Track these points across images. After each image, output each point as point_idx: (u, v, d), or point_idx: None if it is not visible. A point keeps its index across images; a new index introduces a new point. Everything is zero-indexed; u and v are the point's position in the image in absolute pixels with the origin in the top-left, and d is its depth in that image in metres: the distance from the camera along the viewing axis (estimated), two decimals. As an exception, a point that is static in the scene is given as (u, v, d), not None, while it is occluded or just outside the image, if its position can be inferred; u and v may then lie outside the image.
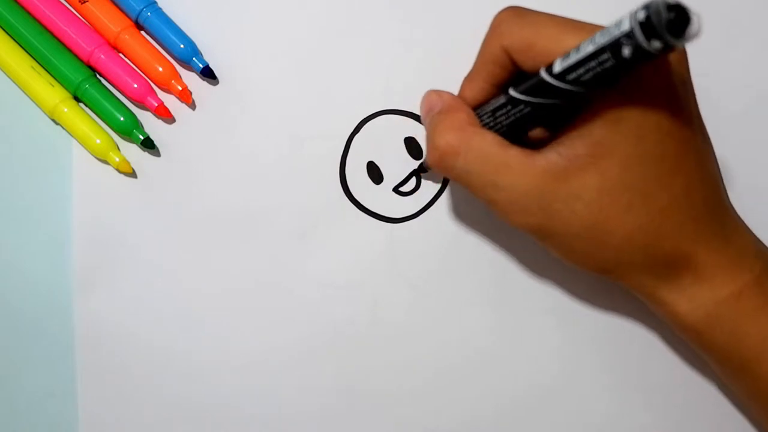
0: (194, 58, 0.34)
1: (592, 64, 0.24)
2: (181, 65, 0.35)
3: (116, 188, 0.35)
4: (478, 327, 0.34)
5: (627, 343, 0.34)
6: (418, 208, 0.35)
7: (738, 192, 0.33)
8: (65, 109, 0.34)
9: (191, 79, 0.35)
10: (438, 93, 0.30)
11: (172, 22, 0.35)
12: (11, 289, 0.34)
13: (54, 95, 0.34)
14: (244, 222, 0.35)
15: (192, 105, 0.35)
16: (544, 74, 0.26)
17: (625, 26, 0.22)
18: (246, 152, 0.35)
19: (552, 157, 0.27)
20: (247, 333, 0.34)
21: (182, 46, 0.34)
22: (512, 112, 0.28)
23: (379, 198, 0.35)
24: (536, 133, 0.31)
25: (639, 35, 0.22)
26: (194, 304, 0.34)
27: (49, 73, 0.34)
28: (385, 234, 0.35)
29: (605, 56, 0.23)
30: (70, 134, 0.34)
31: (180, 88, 0.34)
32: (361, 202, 0.35)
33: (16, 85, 0.35)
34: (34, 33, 0.34)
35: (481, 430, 0.34)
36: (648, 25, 0.21)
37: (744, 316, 0.28)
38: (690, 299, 0.29)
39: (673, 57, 0.26)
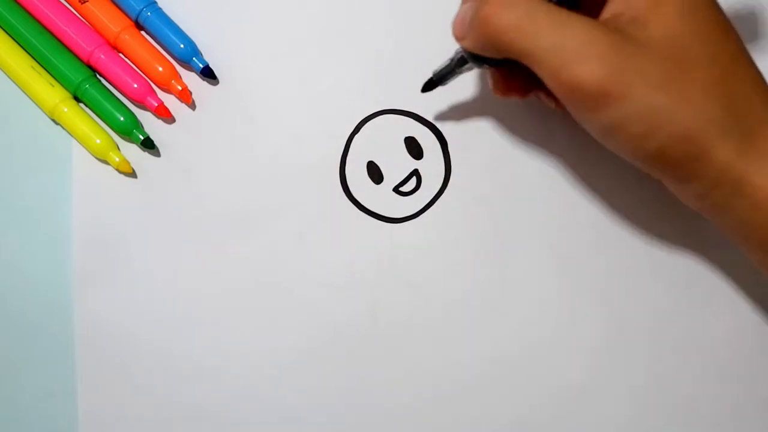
0: (194, 58, 0.34)
1: None
2: (181, 65, 0.35)
3: (116, 188, 0.35)
4: (479, 327, 0.34)
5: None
6: (418, 208, 0.35)
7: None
8: (65, 109, 0.34)
9: (191, 79, 0.35)
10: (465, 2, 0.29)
11: (172, 22, 0.35)
12: (11, 289, 0.34)
13: (54, 95, 0.34)
14: (244, 222, 0.35)
15: (192, 105, 0.35)
16: None
17: None
18: (246, 152, 0.35)
19: (607, 17, 0.27)
20: (246, 333, 0.34)
21: (182, 46, 0.34)
22: None
23: (379, 198, 0.35)
24: None
25: None
26: (194, 304, 0.34)
27: (49, 73, 0.34)
28: (385, 234, 0.35)
29: None
30: (70, 134, 0.34)
31: (180, 88, 0.34)
32: (361, 202, 0.35)
33: (16, 85, 0.35)
34: (34, 33, 0.34)
35: (481, 429, 0.34)
36: None
37: None
38: None
39: None
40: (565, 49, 0.26)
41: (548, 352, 0.34)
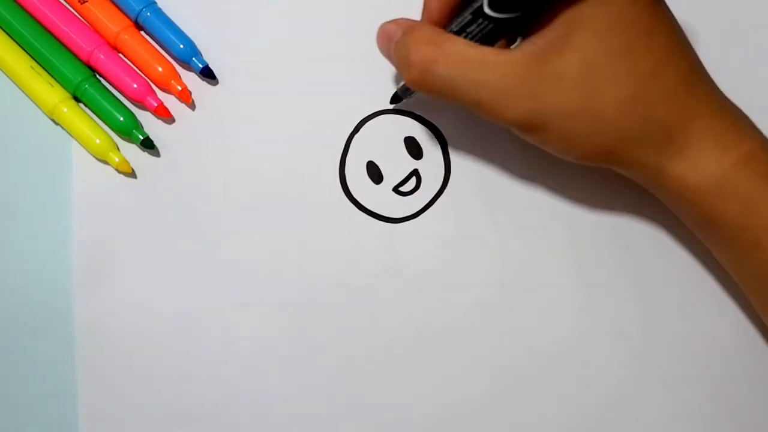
0: (194, 58, 0.34)
1: None
2: (180, 65, 0.35)
3: (116, 188, 0.35)
4: (479, 327, 0.34)
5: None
6: (418, 208, 0.35)
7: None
8: (65, 109, 0.34)
9: (191, 79, 0.35)
10: (393, 21, 0.30)
11: (172, 22, 0.35)
12: (11, 289, 0.34)
13: (54, 95, 0.34)
14: (244, 222, 0.35)
15: (192, 105, 0.35)
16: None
17: None
18: (246, 152, 0.35)
19: (527, 47, 0.28)
20: (246, 333, 0.34)
21: (182, 46, 0.34)
22: (482, 25, 0.28)
23: (379, 198, 0.35)
24: (499, 44, 0.30)
25: None
26: (194, 303, 0.34)
27: (48, 73, 0.34)
28: (385, 234, 0.35)
29: None
30: (70, 134, 0.34)
31: (180, 88, 0.34)
32: (361, 202, 0.35)
33: (16, 85, 0.35)
34: (34, 33, 0.34)
35: (479, 424, 0.34)
36: None
37: (756, 181, 0.28)
38: (699, 169, 0.28)
39: None
40: (487, 92, 0.28)
41: (548, 352, 0.34)
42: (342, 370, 0.34)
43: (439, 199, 0.35)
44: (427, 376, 0.34)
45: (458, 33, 0.29)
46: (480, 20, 0.28)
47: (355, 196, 0.35)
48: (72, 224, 0.34)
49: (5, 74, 0.35)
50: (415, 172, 0.35)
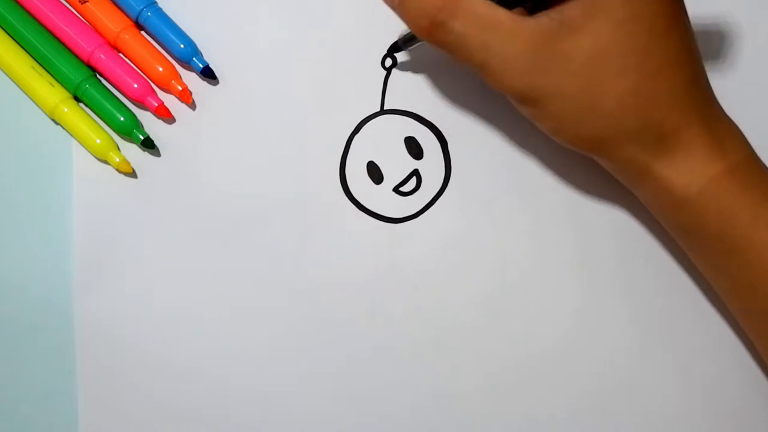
0: (194, 58, 0.34)
1: None
2: (181, 65, 0.35)
3: (116, 188, 0.35)
4: (479, 327, 0.34)
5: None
6: (418, 208, 0.35)
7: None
8: (65, 109, 0.34)
9: (191, 79, 0.35)
10: None
11: (172, 22, 0.35)
12: (11, 289, 0.34)
13: (54, 95, 0.34)
14: (244, 222, 0.35)
15: (192, 105, 0.35)
16: None
17: None
18: (246, 152, 0.35)
19: (543, 20, 0.27)
20: (246, 333, 0.34)
21: (182, 46, 0.34)
22: None
23: (379, 198, 0.35)
24: (518, 11, 0.30)
25: None
26: (194, 303, 0.34)
27: (49, 73, 0.34)
28: (385, 234, 0.35)
29: None
30: (70, 134, 0.34)
31: (180, 88, 0.34)
32: (361, 202, 0.35)
33: (16, 85, 0.35)
34: (34, 33, 0.34)
35: (479, 425, 0.34)
36: None
37: (737, 193, 0.28)
38: (684, 174, 0.28)
39: None
40: (495, 57, 0.27)
41: (548, 352, 0.34)
42: (342, 370, 0.34)
43: (439, 199, 0.35)
44: (428, 376, 0.34)
45: None
46: None
47: (355, 196, 0.35)
48: (72, 224, 0.34)
49: (5, 74, 0.35)
50: (415, 172, 0.35)
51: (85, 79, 0.34)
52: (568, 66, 0.27)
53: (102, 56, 0.34)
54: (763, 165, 0.30)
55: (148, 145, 0.34)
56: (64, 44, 0.34)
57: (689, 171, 0.28)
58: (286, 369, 0.34)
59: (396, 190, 0.35)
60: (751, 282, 0.29)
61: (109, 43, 0.34)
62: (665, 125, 0.28)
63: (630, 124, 0.28)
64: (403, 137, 0.35)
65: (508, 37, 0.27)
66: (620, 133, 0.28)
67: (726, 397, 0.34)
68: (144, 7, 0.34)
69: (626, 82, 0.27)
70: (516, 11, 0.29)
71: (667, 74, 0.28)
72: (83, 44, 0.34)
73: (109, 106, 0.34)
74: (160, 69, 0.34)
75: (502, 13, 0.27)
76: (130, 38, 0.34)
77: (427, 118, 0.35)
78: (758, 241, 0.28)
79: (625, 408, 0.34)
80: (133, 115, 0.34)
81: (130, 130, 0.34)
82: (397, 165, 0.35)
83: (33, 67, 0.34)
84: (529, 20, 0.27)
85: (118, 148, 0.34)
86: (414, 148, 0.35)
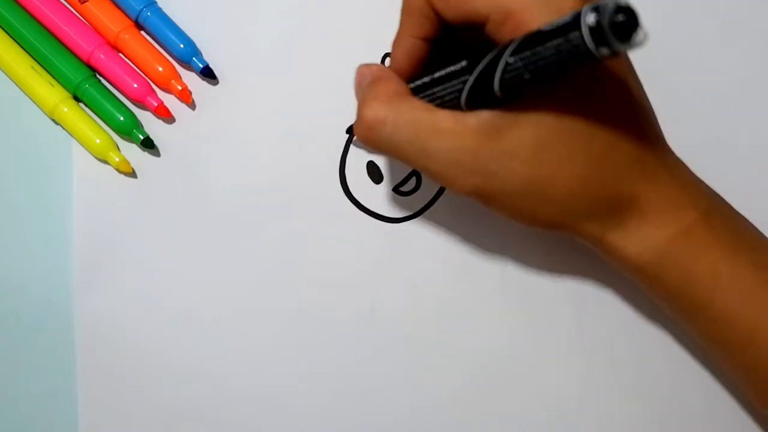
0: (194, 58, 0.34)
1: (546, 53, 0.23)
2: (181, 65, 0.35)
3: (116, 188, 0.35)
4: (479, 326, 0.34)
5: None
6: (418, 208, 0.35)
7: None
8: (65, 109, 0.34)
9: (191, 79, 0.35)
10: (368, 66, 0.29)
11: (172, 21, 0.35)
12: (11, 290, 0.34)
13: (54, 95, 0.34)
14: (244, 222, 0.35)
15: (192, 105, 0.35)
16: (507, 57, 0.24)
17: (575, 37, 0.21)
18: (246, 152, 0.35)
19: (484, 115, 0.26)
20: (246, 333, 0.34)
21: (182, 46, 0.34)
22: (450, 85, 0.27)
23: (379, 198, 0.35)
24: None
25: (589, 42, 0.21)
26: (194, 303, 0.34)
27: (49, 73, 0.34)
28: (385, 234, 0.35)
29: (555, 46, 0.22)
30: (70, 134, 0.34)
31: (180, 88, 0.34)
32: (361, 202, 0.35)
33: (16, 85, 0.35)
34: (34, 33, 0.34)
35: (478, 422, 0.34)
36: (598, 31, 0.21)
37: (694, 254, 0.28)
38: (638, 241, 0.28)
39: None
40: (435, 163, 0.27)
41: (548, 352, 0.34)
42: (342, 370, 0.34)
43: (439, 199, 0.35)
44: (428, 376, 0.34)
45: (425, 89, 0.28)
46: (450, 84, 0.27)
47: (355, 196, 0.35)
48: (72, 224, 0.34)
49: (5, 74, 0.35)
50: (415, 172, 0.35)
51: (85, 79, 0.34)
52: (511, 164, 0.26)
53: (102, 56, 0.34)
54: (726, 212, 0.29)
55: (148, 145, 0.34)
56: (63, 44, 0.34)
57: (643, 239, 0.28)
58: (286, 369, 0.34)
59: (396, 189, 0.35)
60: (715, 338, 0.29)
61: (109, 43, 0.34)
62: (615, 200, 0.28)
63: (581, 208, 0.28)
64: (403, 137, 0.35)
65: (447, 141, 0.26)
66: (572, 216, 0.28)
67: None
68: (144, 7, 0.34)
69: (573, 169, 0.27)
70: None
71: (614, 154, 0.27)
72: (83, 44, 0.34)
73: (108, 106, 0.34)
74: (160, 69, 0.34)
75: (441, 117, 0.26)
76: (129, 38, 0.34)
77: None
78: (719, 300, 0.28)
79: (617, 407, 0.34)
80: (133, 115, 0.34)
81: (129, 130, 0.34)
82: (396, 165, 0.35)
83: (33, 67, 0.34)
84: (469, 118, 0.26)
85: (118, 148, 0.34)
86: (414, 148, 0.35)
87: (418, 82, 0.28)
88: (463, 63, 0.26)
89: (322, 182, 0.35)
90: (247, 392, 0.34)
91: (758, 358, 0.28)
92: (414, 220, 0.35)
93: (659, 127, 0.29)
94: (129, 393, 0.34)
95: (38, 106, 0.34)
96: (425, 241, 0.35)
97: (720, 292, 0.28)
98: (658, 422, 0.34)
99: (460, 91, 0.26)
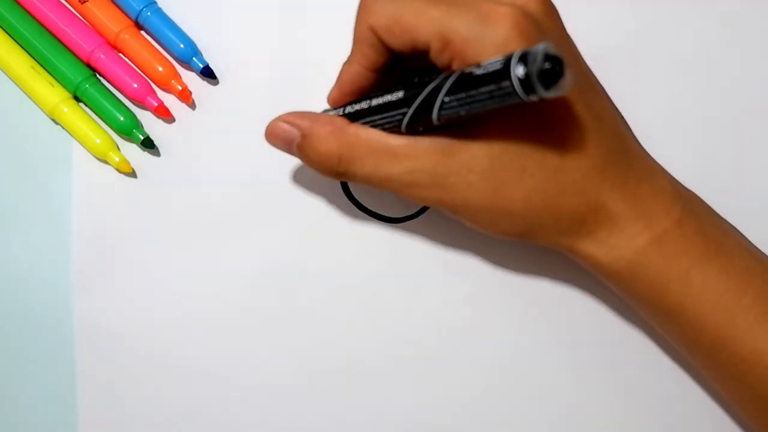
0: (194, 58, 0.34)
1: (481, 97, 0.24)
2: (181, 65, 0.35)
3: (116, 188, 0.35)
4: (479, 326, 0.34)
5: (629, 350, 0.34)
6: (418, 208, 0.35)
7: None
8: (65, 109, 0.34)
9: (191, 79, 0.35)
10: (286, 121, 0.30)
11: (172, 21, 0.35)
12: (11, 289, 0.34)
13: (54, 95, 0.34)
14: (244, 222, 0.35)
15: (192, 105, 0.35)
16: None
17: (506, 84, 0.23)
18: (246, 152, 0.35)
19: (437, 138, 0.27)
20: (247, 333, 0.34)
21: (182, 45, 0.34)
22: (390, 114, 0.28)
23: (380, 198, 0.35)
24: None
25: (520, 92, 0.22)
26: (194, 303, 0.34)
27: (49, 73, 0.34)
28: (385, 234, 0.35)
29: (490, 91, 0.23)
30: (70, 134, 0.34)
31: (180, 88, 0.34)
32: (362, 202, 0.35)
33: (16, 85, 0.35)
34: (34, 33, 0.34)
35: (478, 424, 0.34)
36: (527, 82, 0.22)
37: (666, 263, 0.28)
38: (609, 250, 0.28)
39: None
40: (398, 185, 0.28)
41: (548, 352, 0.34)
42: (341, 370, 0.34)
43: (440, 199, 0.35)
44: (428, 376, 0.34)
45: (364, 115, 0.28)
46: (390, 114, 0.28)
47: (355, 196, 0.35)
48: (72, 224, 0.34)
49: (5, 74, 0.35)
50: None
51: (85, 79, 0.34)
52: (468, 178, 0.27)
53: (102, 56, 0.34)
54: (701, 217, 0.29)
55: (148, 144, 0.34)
56: (63, 44, 0.34)
57: (614, 248, 0.28)
58: (286, 369, 0.34)
59: (396, 190, 0.35)
60: (687, 343, 0.30)
61: (109, 43, 0.34)
62: (580, 211, 0.28)
63: (544, 219, 0.28)
64: (403, 137, 0.35)
65: (404, 164, 0.27)
66: (536, 227, 0.28)
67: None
68: (144, 7, 0.34)
69: (530, 181, 0.27)
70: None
71: (572, 164, 0.27)
72: (83, 44, 0.34)
73: (108, 106, 0.34)
74: (160, 69, 0.34)
75: (395, 142, 0.28)
76: (129, 38, 0.34)
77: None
78: (690, 308, 0.28)
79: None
80: (133, 114, 0.34)
81: (130, 129, 0.34)
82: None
83: (33, 67, 0.34)
84: (421, 140, 0.27)
85: (118, 148, 0.34)
86: (414, 148, 0.35)
87: (357, 107, 0.29)
88: (400, 94, 0.27)
89: (323, 182, 0.35)
90: (247, 392, 0.34)
91: (727, 363, 0.29)
92: (414, 220, 0.35)
93: (630, 134, 0.29)
94: (129, 393, 0.34)
95: (38, 106, 0.34)
96: (425, 241, 0.35)
97: (691, 299, 0.28)
98: (656, 424, 0.34)
99: (400, 121, 0.27)
